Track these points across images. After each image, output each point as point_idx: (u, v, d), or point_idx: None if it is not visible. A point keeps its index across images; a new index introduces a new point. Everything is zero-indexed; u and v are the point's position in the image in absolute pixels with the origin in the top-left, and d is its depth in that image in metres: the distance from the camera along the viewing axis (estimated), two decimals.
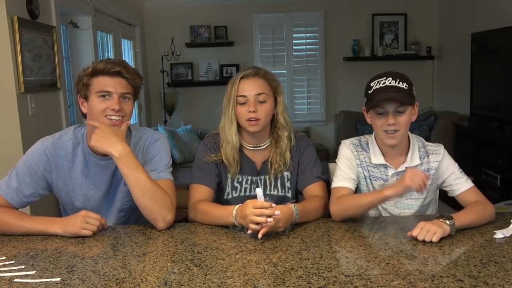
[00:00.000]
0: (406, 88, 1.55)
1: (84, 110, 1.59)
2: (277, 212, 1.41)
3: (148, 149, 1.65)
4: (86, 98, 1.57)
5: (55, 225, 1.51)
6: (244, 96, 1.68)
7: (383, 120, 1.58)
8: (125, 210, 1.69)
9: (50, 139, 1.63)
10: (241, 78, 1.70)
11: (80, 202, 1.65)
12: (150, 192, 1.52)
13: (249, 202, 1.45)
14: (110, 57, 4.55)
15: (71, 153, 1.61)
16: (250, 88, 1.69)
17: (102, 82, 1.53)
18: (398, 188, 1.49)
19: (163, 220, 1.53)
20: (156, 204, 1.52)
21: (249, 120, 1.67)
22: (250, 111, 1.67)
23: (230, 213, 1.52)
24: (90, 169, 1.63)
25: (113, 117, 1.54)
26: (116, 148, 1.50)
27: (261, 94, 1.69)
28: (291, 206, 1.52)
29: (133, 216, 1.72)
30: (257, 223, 1.41)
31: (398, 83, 1.55)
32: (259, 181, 1.78)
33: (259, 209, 1.41)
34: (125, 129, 1.56)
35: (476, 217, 1.50)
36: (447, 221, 1.40)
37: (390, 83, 1.55)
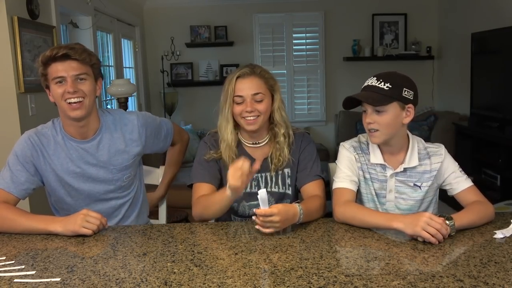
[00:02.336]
0: (387, 88, 1.54)
1: (51, 99, 1.65)
2: (246, 164, 1.46)
3: (146, 126, 1.78)
4: (48, 87, 1.64)
5: (55, 224, 1.52)
6: (241, 96, 1.69)
7: (366, 118, 1.61)
8: (125, 187, 1.75)
9: (33, 130, 1.72)
10: (238, 77, 1.71)
11: (72, 180, 1.68)
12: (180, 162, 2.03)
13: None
14: (108, 57, 4.56)
15: (52, 140, 1.68)
16: (246, 88, 1.69)
17: (55, 69, 1.59)
18: (408, 230, 1.38)
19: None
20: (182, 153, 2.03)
21: (246, 119, 1.68)
22: (247, 111, 1.68)
23: (224, 189, 1.55)
24: (72, 154, 1.68)
25: (72, 100, 1.59)
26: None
27: (257, 94, 1.69)
28: (296, 206, 1.51)
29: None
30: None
31: (380, 83, 1.56)
32: (259, 178, 1.77)
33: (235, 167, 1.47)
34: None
35: (476, 217, 1.50)
36: (447, 221, 1.40)
37: (371, 83, 1.58)
